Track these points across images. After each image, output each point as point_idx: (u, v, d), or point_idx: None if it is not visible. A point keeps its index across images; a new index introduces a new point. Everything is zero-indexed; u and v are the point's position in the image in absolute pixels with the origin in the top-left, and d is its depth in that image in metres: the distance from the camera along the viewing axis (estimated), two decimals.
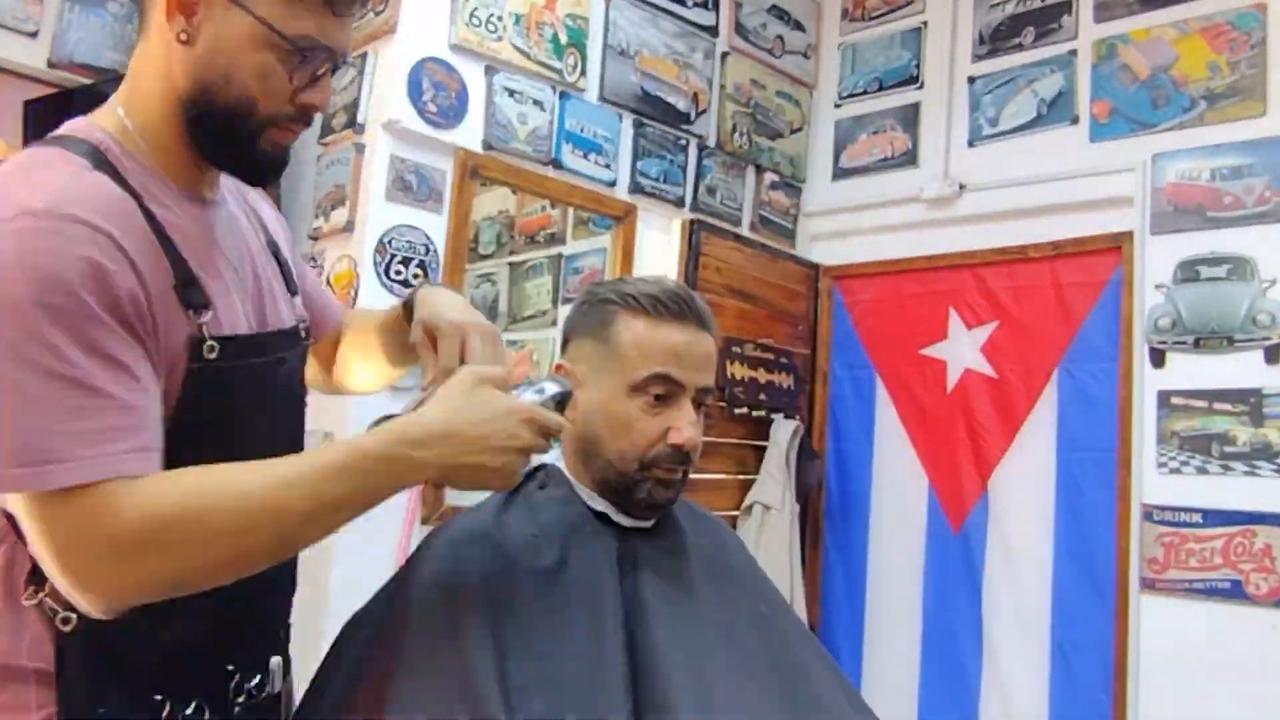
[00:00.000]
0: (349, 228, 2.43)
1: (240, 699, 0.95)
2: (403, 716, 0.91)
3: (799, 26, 3.59)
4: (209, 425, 0.88)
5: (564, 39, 2.78)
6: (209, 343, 0.86)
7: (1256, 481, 2.50)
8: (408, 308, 1.05)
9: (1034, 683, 2.83)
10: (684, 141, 3.14)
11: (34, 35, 2.76)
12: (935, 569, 3.11)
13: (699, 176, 3.19)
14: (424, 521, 2.39)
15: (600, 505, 1.11)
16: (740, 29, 3.36)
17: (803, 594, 3.17)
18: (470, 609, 0.96)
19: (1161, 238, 2.73)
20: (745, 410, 3.17)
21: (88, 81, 2.77)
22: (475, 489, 0.92)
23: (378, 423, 0.87)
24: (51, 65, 2.78)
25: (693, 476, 1.13)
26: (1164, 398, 2.67)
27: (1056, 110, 3.03)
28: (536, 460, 1.16)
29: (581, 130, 2.82)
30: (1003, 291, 3.08)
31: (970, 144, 3.23)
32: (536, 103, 2.71)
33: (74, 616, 0.81)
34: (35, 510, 0.74)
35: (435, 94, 2.47)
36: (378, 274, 2.38)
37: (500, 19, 2.62)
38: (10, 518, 0.82)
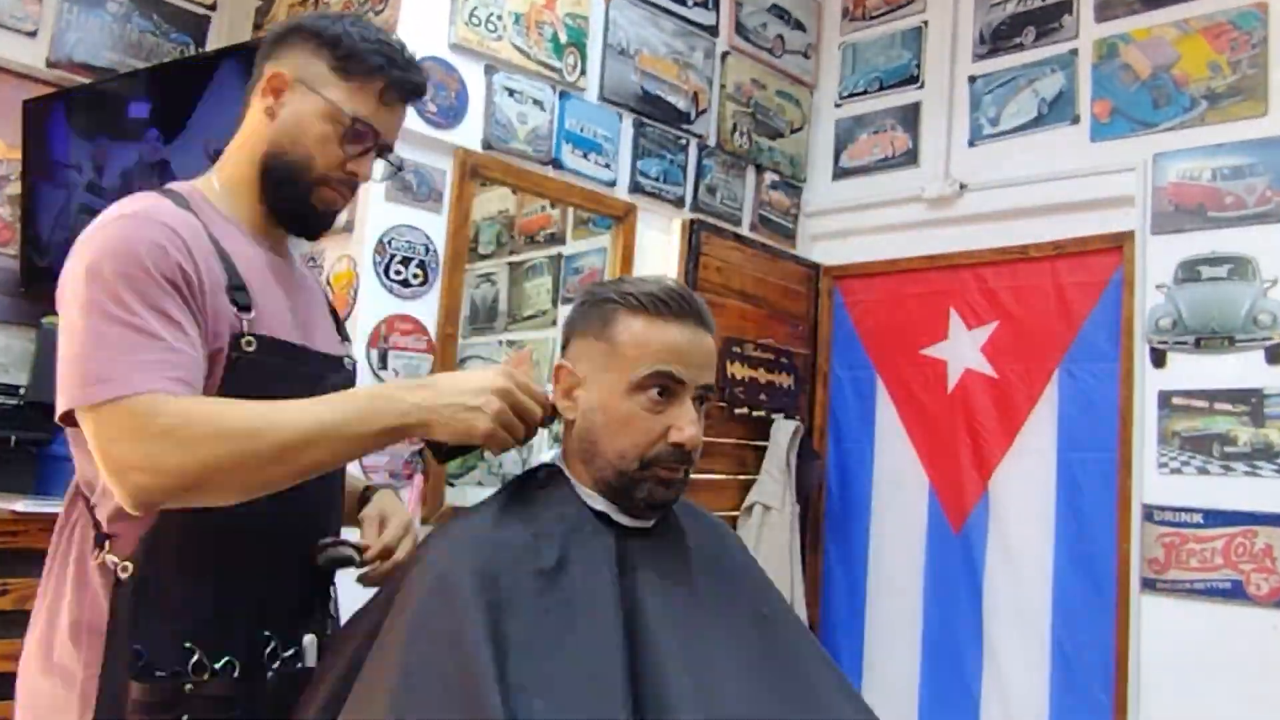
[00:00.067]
0: (348, 228, 2.43)
1: (275, 665, 1.06)
2: (402, 717, 0.91)
3: (799, 26, 3.59)
4: None
5: (564, 38, 2.78)
6: (247, 337, 1.04)
7: (1257, 482, 2.50)
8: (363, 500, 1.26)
9: (1034, 683, 2.83)
10: (684, 141, 3.14)
11: (33, 35, 2.76)
12: (936, 569, 3.11)
13: (699, 176, 3.19)
14: (424, 521, 2.39)
15: (600, 505, 1.10)
16: (740, 28, 3.36)
17: (803, 594, 3.16)
18: (470, 609, 0.95)
19: (1162, 237, 2.73)
20: (745, 410, 3.17)
21: (86, 81, 2.77)
22: (462, 438, 1.02)
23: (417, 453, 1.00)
24: (50, 65, 2.78)
25: (693, 476, 1.13)
26: (1165, 398, 2.67)
27: (1057, 110, 3.03)
28: (536, 461, 1.16)
29: (581, 130, 2.82)
30: (1003, 291, 3.08)
31: (971, 144, 3.23)
32: (536, 102, 2.70)
33: (130, 565, 0.99)
34: (97, 420, 0.94)
35: (435, 93, 2.47)
36: (377, 274, 2.38)
37: (500, 18, 2.62)
38: (80, 493, 1.04)
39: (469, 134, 2.55)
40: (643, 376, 1.06)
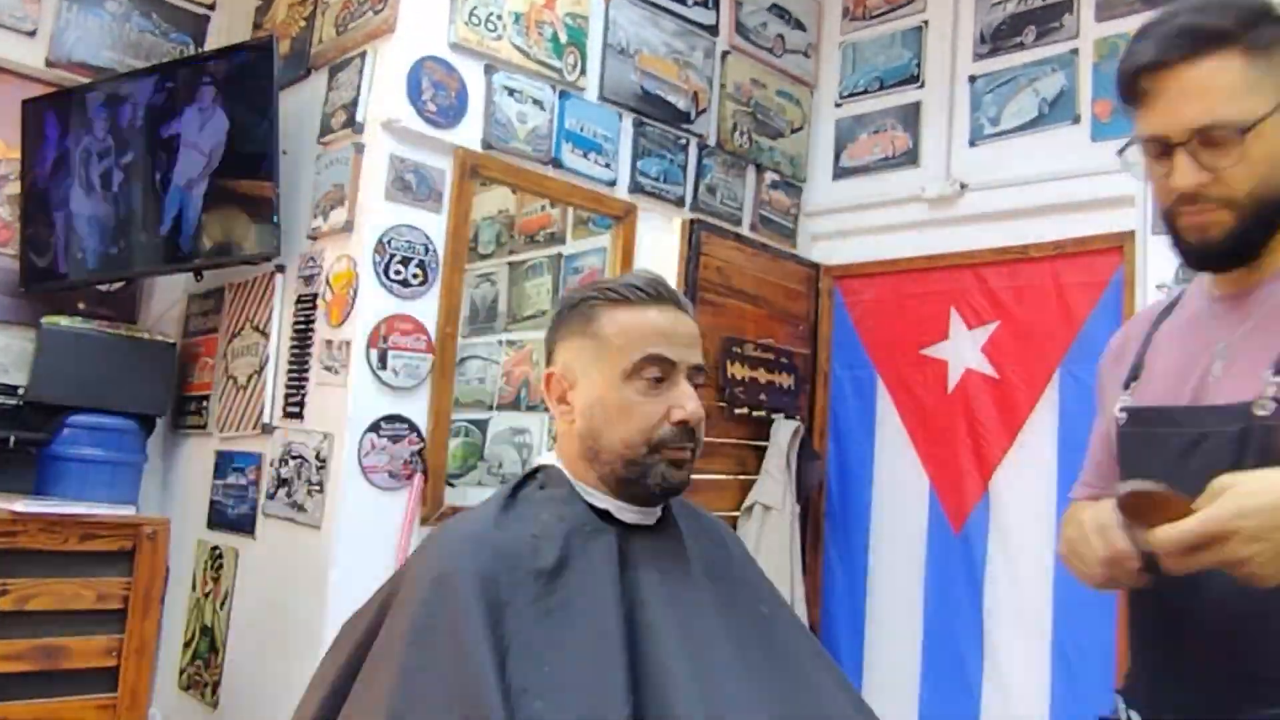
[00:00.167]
0: (348, 227, 2.43)
1: None
2: (402, 718, 0.90)
3: (799, 25, 3.59)
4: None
5: (564, 38, 2.77)
6: (1119, 414, 1.13)
7: None
8: None
9: (1035, 684, 2.83)
10: (684, 141, 3.14)
11: (32, 34, 2.76)
12: (936, 570, 3.10)
13: (699, 176, 3.18)
14: (424, 522, 2.38)
15: (604, 502, 1.10)
16: (740, 28, 3.35)
17: (803, 594, 3.16)
18: (470, 610, 0.95)
19: (1163, 237, 2.71)
20: (745, 410, 3.17)
21: (86, 80, 2.77)
22: None
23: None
24: (50, 64, 2.78)
25: (693, 477, 1.13)
26: None
27: (1058, 109, 3.02)
28: (535, 462, 1.16)
29: (581, 129, 2.82)
30: (1004, 291, 3.07)
31: (971, 143, 3.22)
32: (536, 102, 2.70)
33: None
34: None
35: (434, 93, 2.47)
36: (377, 274, 2.38)
37: (500, 18, 2.61)
38: None
39: (469, 133, 2.55)
40: (635, 362, 1.08)
